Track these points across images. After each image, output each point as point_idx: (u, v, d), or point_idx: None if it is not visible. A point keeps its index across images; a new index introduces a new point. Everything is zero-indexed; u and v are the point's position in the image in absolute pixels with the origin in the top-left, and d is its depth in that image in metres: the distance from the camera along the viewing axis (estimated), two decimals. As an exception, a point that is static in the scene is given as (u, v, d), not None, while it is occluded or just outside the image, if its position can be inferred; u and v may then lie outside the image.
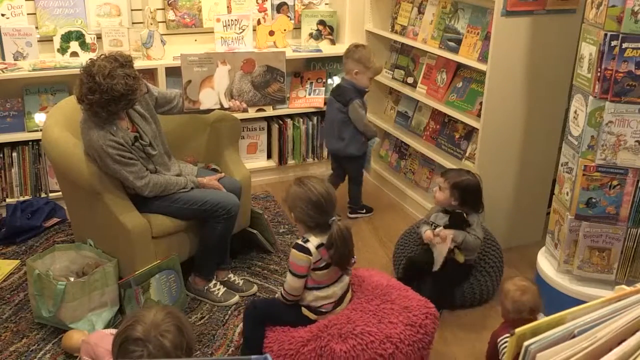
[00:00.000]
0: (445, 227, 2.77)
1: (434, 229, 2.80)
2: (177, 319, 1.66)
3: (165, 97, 2.93)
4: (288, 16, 4.15)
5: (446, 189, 2.78)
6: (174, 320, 1.65)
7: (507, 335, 2.11)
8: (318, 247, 2.23)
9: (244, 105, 3.07)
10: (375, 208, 3.84)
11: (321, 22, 4.21)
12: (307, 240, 2.24)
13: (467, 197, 2.77)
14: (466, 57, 3.28)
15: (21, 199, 3.58)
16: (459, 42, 3.37)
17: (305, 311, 2.32)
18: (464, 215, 2.76)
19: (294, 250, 2.25)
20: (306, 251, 2.22)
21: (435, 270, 2.74)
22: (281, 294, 2.33)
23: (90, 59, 2.59)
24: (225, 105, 3.04)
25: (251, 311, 2.39)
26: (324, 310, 2.31)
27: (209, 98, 3.01)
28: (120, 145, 2.57)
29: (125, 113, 2.67)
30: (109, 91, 2.44)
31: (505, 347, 2.10)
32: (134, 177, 2.63)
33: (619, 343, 0.89)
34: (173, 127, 3.11)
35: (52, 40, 3.62)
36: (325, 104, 3.90)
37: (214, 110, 3.06)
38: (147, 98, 2.80)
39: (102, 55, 2.57)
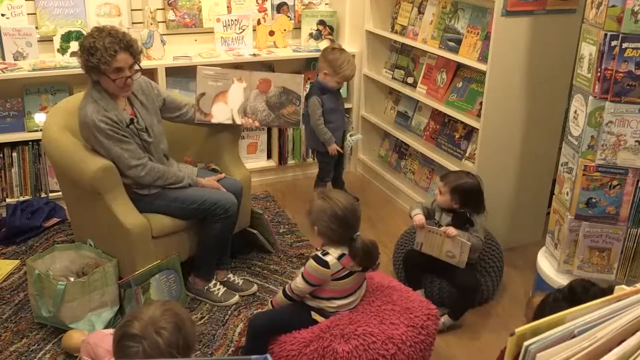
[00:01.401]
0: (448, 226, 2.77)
1: (437, 227, 2.80)
2: (176, 316, 1.64)
3: (174, 102, 2.95)
4: (288, 16, 4.15)
5: (446, 192, 2.77)
6: (172, 317, 1.63)
7: None
8: (339, 257, 2.21)
9: (257, 124, 3.05)
10: (375, 208, 3.84)
11: (321, 22, 4.21)
12: (327, 253, 2.22)
13: (467, 199, 2.76)
14: (466, 57, 3.28)
15: (21, 199, 3.58)
16: (459, 42, 3.37)
17: (315, 315, 2.31)
18: (467, 214, 2.76)
19: (312, 262, 2.23)
20: (324, 264, 2.21)
21: (465, 282, 2.74)
22: (284, 288, 2.33)
23: None
24: (238, 122, 3.02)
25: (256, 322, 2.35)
26: (338, 315, 2.31)
27: (222, 112, 2.99)
28: (113, 122, 2.58)
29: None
30: (84, 41, 2.55)
31: None
32: (130, 155, 2.62)
33: (619, 343, 0.89)
34: (173, 127, 3.10)
35: (52, 40, 3.62)
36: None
37: (225, 124, 3.03)
38: (151, 92, 2.82)
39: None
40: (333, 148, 3.52)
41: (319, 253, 2.24)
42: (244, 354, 2.42)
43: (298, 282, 2.27)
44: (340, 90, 3.66)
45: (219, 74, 2.95)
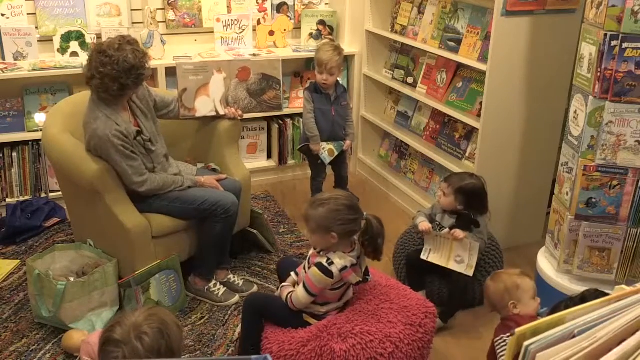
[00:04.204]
0: (452, 228, 2.76)
1: (439, 229, 2.79)
2: (161, 321, 1.63)
3: (163, 101, 2.98)
4: (288, 16, 4.15)
5: (450, 194, 2.76)
6: (157, 322, 1.61)
7: (503, 335, 2.10)
8: (342, 269, 2.20)
9: (240, 113, 3.14)
10: (375, 208, 3.83)
11: (321, 22, 4.21)
12: (332, 263, 2.19)
13: (472, 201, 2.75)
14: (466, 57, 3.28)
15: (21, 199, 3.58)
16: (459, 42, 3.37)
17: (307, 317, 2.30)
18: (472, 215, 2.75)
19: (316, 270, 2.19)
20: (329, 274, 2.18)
21: (459, 285, 2.74)
22: (286, 300, 2.29)
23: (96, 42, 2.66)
24: (221, 113, 3.09)
25: (250, 302, 2.39)
26: (328, 317, 2.30)
27: (205, 106, 3.05)
28: (124, 136, 2.59)
29: (128, 105, 2.72)
30: (120, 63, 2.51)
31: (503, 347, 2.09)
32: (133, 171, 2.64)
33: (619, 343, 0.89)
34: (172, 127, 3.11)
35: (52, 40, 3.62)
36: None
37: (209, 117, 3.10)
38: (147, 97, 2.83)
39: (109, 38, 2.66)
40: (315, 148, 3.43)
41: (323, 261, 2.20)
42: (241, 334, 2.42)
43: (299, 294, 2.24)
44: (342, 103, 3.49)
45: (198, 67, 3.02)
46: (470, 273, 2.70)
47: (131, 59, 2.53)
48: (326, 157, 3.46)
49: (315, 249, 2.30)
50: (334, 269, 2.18)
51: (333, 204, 2.20)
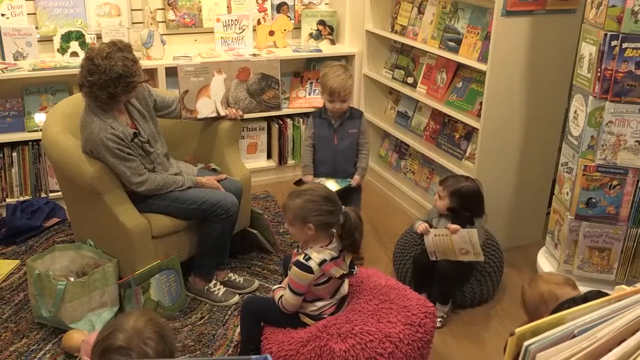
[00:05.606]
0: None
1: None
2: (158, 326, 1.62)
3: (164, 101, 2.98)
4: (288, 16, 4.15)
5: (446, 197, 2.76)
6: (155, 327, 1.60)
7: None
8: (321, 263, 2.20)
9: (240, 113, 3.15)
10: (375, 208, 3.84)
11: (321, 22, 4.21)
12: (309, 258, 2.19)
13: (467, 203, 2.75)
14: (466, 57, 3.28)
15: (21, 199, 3.58)
16: (459, 42, 3.37)
17: (303, 318, 2.30)
18: (467, 214, 2.76)
19: (295, 269, 2.20)
20: (308, 270, 2.18)
21: (441, 269, 2.74)
22: (277, 303, 2.30)
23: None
24: (222, 114, 3.10)
25: (247, 306, 2.40)
26: (324, 316, 2.31)
27: (206, 107, 3.06)
28: (120, 140, 2.58)
29: (125, 108, 2.71)
30: (107, 72, 2.48)
31: None
32: (132, 172, 2.63)
33: (619, 343, 0.89)
34: (172, 127, 3.12)
35: (52, 40, 3.62)
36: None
37: (211, 117, 3.10)
38: (147, 98, 2.83)
39: (102, 43, 2.64)
40: (306, 178, 3.12)
41: (301, 258, 2.21)
42: (241, 335, 2.43)
43: (287, 296, 2.24)
44: (349, 131, 3.09)
45: (199, 69, 3.03)
46: (482, 258, 2.72)
47: (119, 67, 2.49)
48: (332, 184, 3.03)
49: (296, 249, 2.32)
50: (312, 263, 2.18)
51: (310, 195, 2.22)
